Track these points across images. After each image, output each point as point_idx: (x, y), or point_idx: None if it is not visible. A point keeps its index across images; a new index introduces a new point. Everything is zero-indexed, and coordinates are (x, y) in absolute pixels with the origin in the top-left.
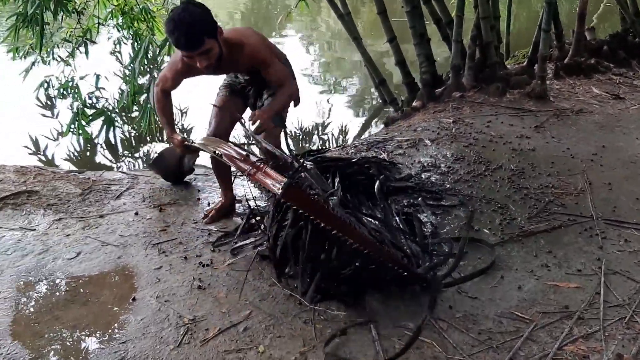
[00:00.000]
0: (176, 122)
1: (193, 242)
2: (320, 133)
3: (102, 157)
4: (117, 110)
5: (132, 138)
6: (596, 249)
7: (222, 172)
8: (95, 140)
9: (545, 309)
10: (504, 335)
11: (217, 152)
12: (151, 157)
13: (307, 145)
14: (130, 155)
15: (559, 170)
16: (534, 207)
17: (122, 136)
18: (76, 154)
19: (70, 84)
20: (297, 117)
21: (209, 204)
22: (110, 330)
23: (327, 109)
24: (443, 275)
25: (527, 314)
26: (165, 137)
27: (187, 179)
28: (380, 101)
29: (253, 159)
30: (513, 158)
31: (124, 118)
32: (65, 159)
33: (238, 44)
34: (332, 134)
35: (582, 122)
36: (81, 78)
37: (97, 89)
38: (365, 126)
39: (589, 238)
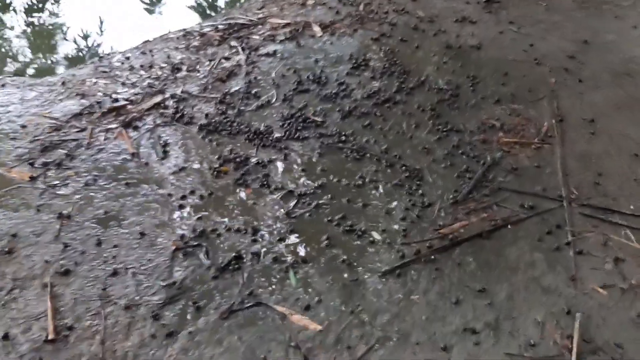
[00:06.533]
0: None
1: None
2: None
3: None
4: None
5: None
6: (565, 280)
7: None
8: None
9: None
10: None
11: None
12: None
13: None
14: None
15: (514, 89)
16: (465, 177)
17: None
18: None
19: None
20: None
21: None
22: None
23: None
24: None
25: None
26: None
27: None
28: None
29: None
30: (445, 65)
31: None
32: None
33: None
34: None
35: None
36: None
37: None
38: None
39: (554, 252)
